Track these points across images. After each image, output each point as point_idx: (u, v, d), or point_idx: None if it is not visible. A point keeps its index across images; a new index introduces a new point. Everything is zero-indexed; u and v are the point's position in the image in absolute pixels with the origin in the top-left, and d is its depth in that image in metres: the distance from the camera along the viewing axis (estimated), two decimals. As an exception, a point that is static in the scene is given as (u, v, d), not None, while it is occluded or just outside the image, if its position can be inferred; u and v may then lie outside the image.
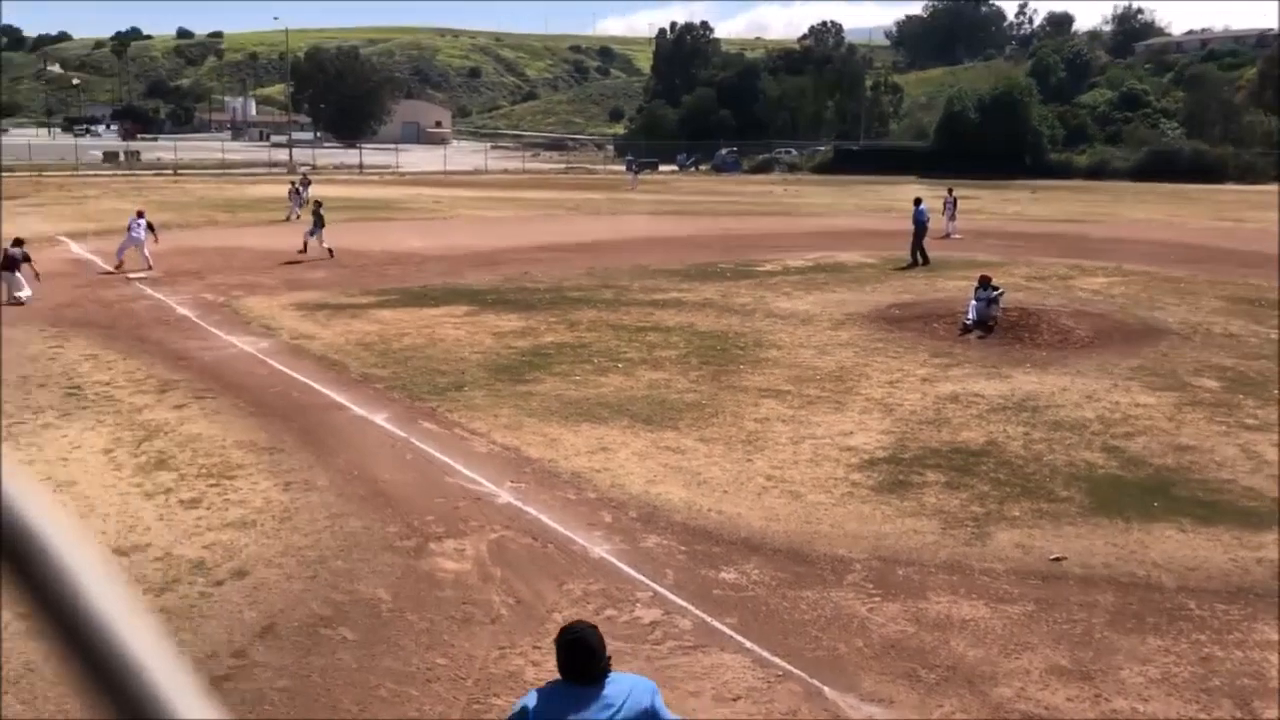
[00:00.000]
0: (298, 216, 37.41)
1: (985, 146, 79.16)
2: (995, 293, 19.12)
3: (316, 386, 14.94)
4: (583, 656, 4.41)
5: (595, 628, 4.61)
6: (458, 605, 8.26)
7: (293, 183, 43.25)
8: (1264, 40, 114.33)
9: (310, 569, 8.83)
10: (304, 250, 28.54)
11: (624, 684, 4.48)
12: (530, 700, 4.51)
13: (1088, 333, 18.85)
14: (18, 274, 21.20)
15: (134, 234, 25.78)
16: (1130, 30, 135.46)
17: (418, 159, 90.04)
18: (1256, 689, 7.19)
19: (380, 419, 13.41)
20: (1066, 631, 7.99)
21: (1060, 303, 21.94)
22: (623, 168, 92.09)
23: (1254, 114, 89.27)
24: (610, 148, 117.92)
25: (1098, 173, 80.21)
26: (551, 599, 8.39)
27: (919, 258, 28.46)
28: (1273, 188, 69.68)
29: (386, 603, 8.27)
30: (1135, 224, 43.65)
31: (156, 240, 26.47)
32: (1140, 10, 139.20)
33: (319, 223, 28.69)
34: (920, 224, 28.73)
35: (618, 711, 4.32)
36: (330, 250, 28.37)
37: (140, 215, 26.36)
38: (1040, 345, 18.01)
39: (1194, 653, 7.69)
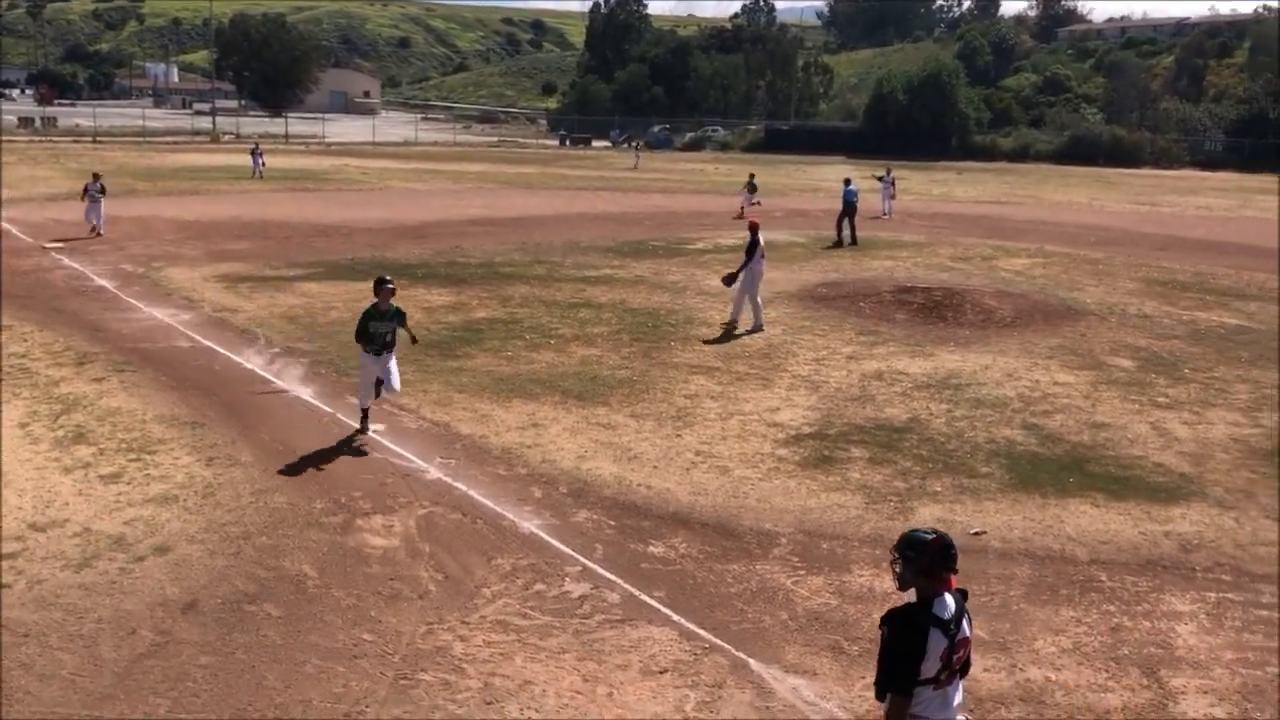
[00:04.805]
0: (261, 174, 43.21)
1: (913, 128, 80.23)
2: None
3: (240, 360, 14.69)
4: None
5: None
6: (385, 581, 8.23)
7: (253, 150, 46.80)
8: (1180, 29, 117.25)
9: (234, 545, 8.72)
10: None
11: None
12: None
13: (1010, 313, 19.27)
14: None
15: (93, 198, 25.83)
16: (1054, 16, 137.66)
17: (345, 129, 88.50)
18: (1163, 658, 7.47)
19: (306, 394, 13.24)
20: (985, 604, 8.20)
21: (984, 283, 22.37)
22: (557, 141, 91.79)
23: (1169, 101, 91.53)
24: (543, 121, 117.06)
25: (1021, 155, 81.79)
26: (480, 574, 8.40)
27: (848, 236, 28.76)
28: (1186, 172, 71.71)
29: (312, 579, 8.20)
30: (1056, 206, 44.60)
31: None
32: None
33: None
34: (849, 203, 29.03)
35: None
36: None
37: (96, 178, 26.21)
38: (964, 324, 18.37)
39: (1104, 623, 7.96)
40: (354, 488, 10.10)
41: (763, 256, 17.89)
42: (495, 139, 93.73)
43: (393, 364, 11.64)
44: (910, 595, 4.72)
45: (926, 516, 9.82)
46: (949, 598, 4.65)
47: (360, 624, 7.54)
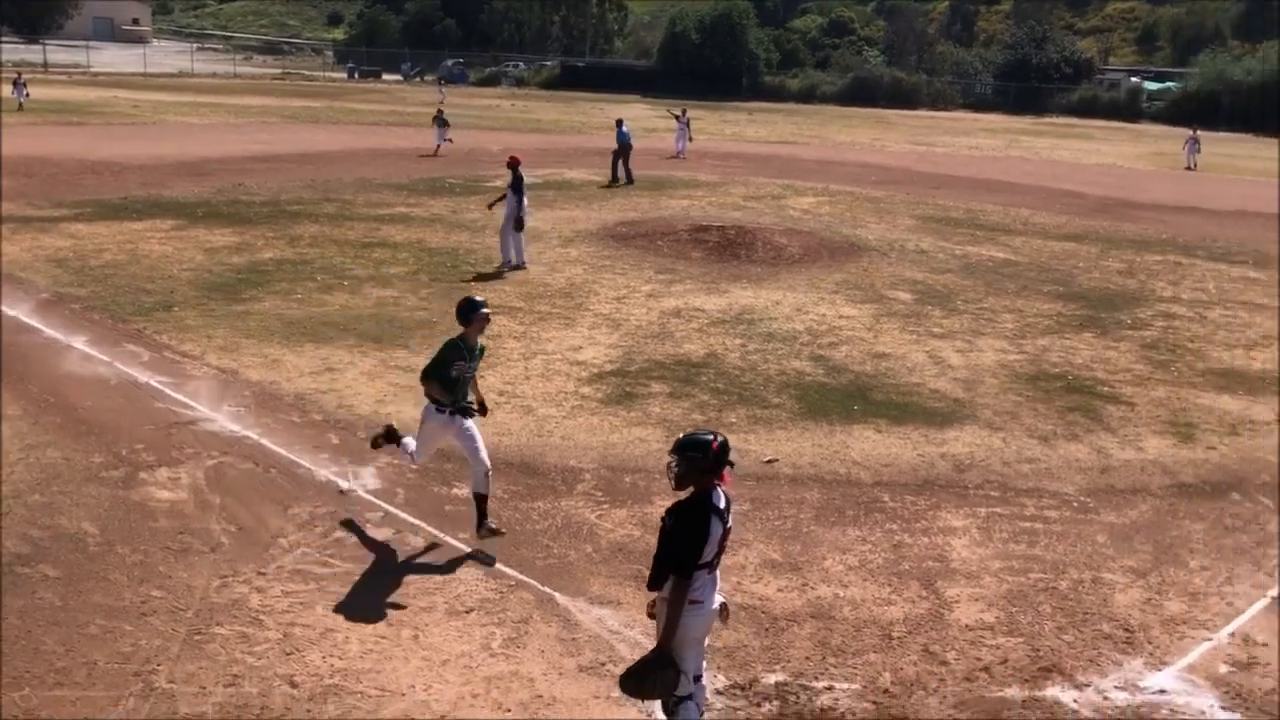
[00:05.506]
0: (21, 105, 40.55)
1: (705, 67, 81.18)
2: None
3: (2, 308, 13.60)
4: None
5: None
6: (174, 536, 7.89)
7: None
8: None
9: (3, 505, 8.15)
10: None
11: None
12: None
13: (798, 250, 19.97)
14: None
15: None
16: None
17: (112, 58, 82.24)
18: (940, 570, 8.03)
19: (78, 342, 12.42)
20: (778, 527, 8.61)
21: (774, 221, 23.06)
22: (345, 74, 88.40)
23: (944, 45, 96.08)
24: (330, 53, 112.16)
25: (808, 96, 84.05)
26: (276, 524, 8.17)
27: (624, 176, 29.00)
28: (960, 114, 75.69)
29: (94, 536, 7.78)
30: (841, 146, 46.30)
31: None
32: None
33: None
34: (623, 144, 29.28)
35: None
36: None
37: None
38: (756, 262, 18.93)
39: (887, 541, 8.48)
40: (135, 440, 9.59)
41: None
42: (279, 71, 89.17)
43: (474, 426, 8.05)
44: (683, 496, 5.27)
45: (723, 447, 10.14)
46: (721, 490, 5.24)
47: (148, 581, 7.22)
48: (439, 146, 34.12)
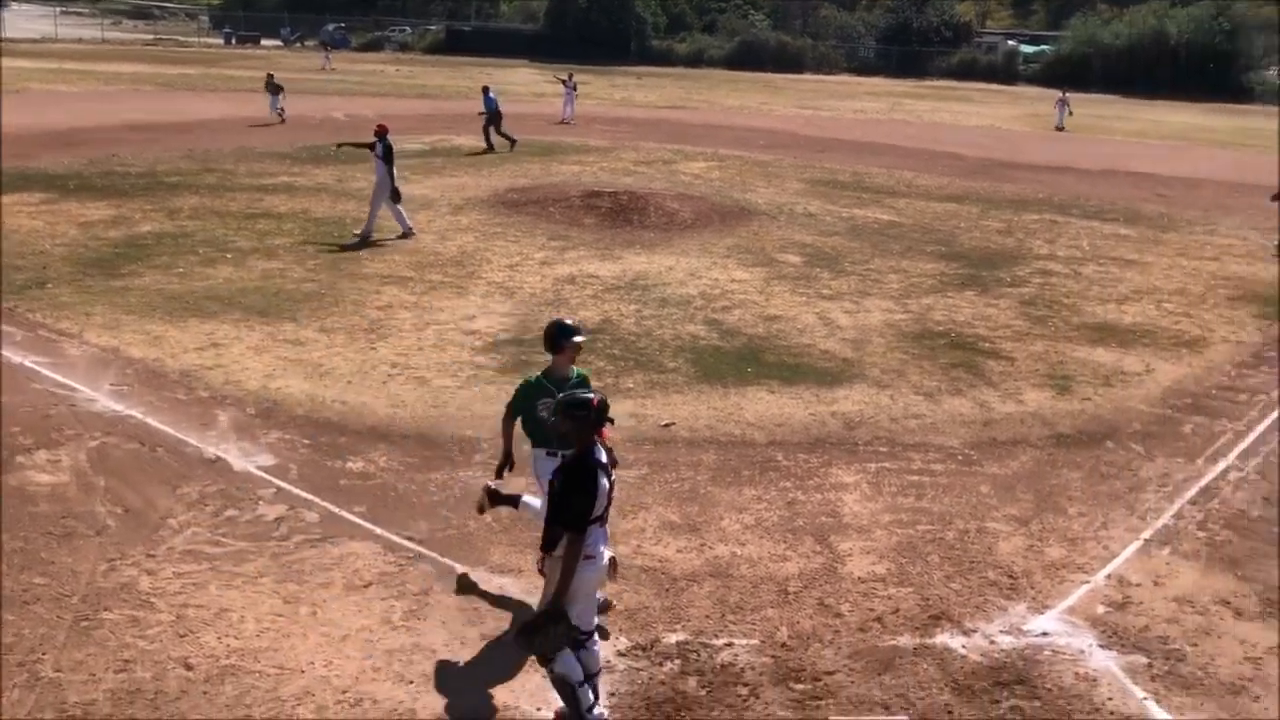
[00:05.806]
0: None
1: (593, 31, 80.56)
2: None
3: None
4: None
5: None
6: (56, 520, 7.63)
7: None
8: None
9: None
10: None
11: None
12: None
13: (690, 215, 20.08)
14: None
15: None
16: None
17: (-34, 23, 77.98)
18: (833, 525, 8.24)
19: (-57, 323, 11.86)
20: (676, 490, 8.72)
21: (665, 186, 23.12)
22: (221, 40, 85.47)
23: (829, 9, 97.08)
24: (205, 18, 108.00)
25: (696, 61, 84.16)
26: (165, 504, 7.96)
27: (505, 142, 28.64)
28: (844, 77, 76.74)
29: (-31, 525, 7.48)
30: (729, 110, 46.54)
31: None
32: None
33: None
34: (491, 110, 28.96)
35: None
36: None
37: None
38: (648, 227, 18.98)
39: (781, 498, 8.66)
40: (11, 422, 9.22)
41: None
42: (150, 37, 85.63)
43: None
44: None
45: (620, 412, 10.20)
46: (601, 446, 5.53)
47: (30, 568, 6.98)
48: (277, 114, 32.72)
